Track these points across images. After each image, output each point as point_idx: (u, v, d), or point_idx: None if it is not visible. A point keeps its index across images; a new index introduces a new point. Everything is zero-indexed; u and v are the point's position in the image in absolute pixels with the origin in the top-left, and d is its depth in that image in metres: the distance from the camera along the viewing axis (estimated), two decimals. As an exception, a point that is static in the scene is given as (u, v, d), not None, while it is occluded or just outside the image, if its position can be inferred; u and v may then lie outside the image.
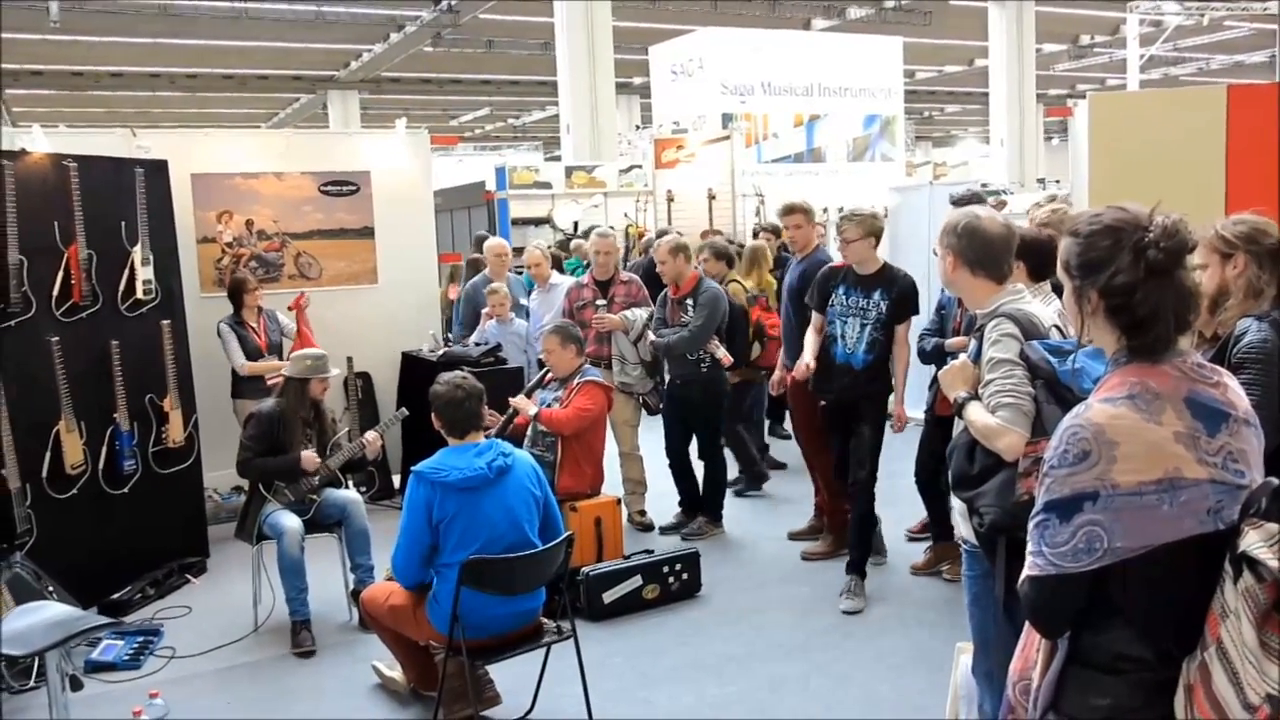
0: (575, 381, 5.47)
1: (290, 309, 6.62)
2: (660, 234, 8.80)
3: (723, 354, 5.94)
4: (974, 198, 5.35)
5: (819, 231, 7.43)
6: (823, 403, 5.31)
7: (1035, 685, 1.85)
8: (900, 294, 5.01)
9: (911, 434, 5.46)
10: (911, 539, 5.83)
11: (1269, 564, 1.53)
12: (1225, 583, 1.61)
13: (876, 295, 5.00)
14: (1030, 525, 1.78)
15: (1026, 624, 1.93)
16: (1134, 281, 1.73)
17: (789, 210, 5.92)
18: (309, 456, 4.89)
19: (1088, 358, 2.25)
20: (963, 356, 2.90)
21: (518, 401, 5.49)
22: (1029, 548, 1.77)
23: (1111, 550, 1.66)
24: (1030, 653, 1.90)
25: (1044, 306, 2.98)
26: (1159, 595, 1.70)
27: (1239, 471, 1.71)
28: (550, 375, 5.64)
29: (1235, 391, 1.79)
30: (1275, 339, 2.77)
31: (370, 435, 5.06)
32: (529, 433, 5.48)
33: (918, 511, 5.77)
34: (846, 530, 5.75)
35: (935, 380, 5.00)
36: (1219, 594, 1.63)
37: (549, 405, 5.46)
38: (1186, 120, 6.17)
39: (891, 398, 5.17)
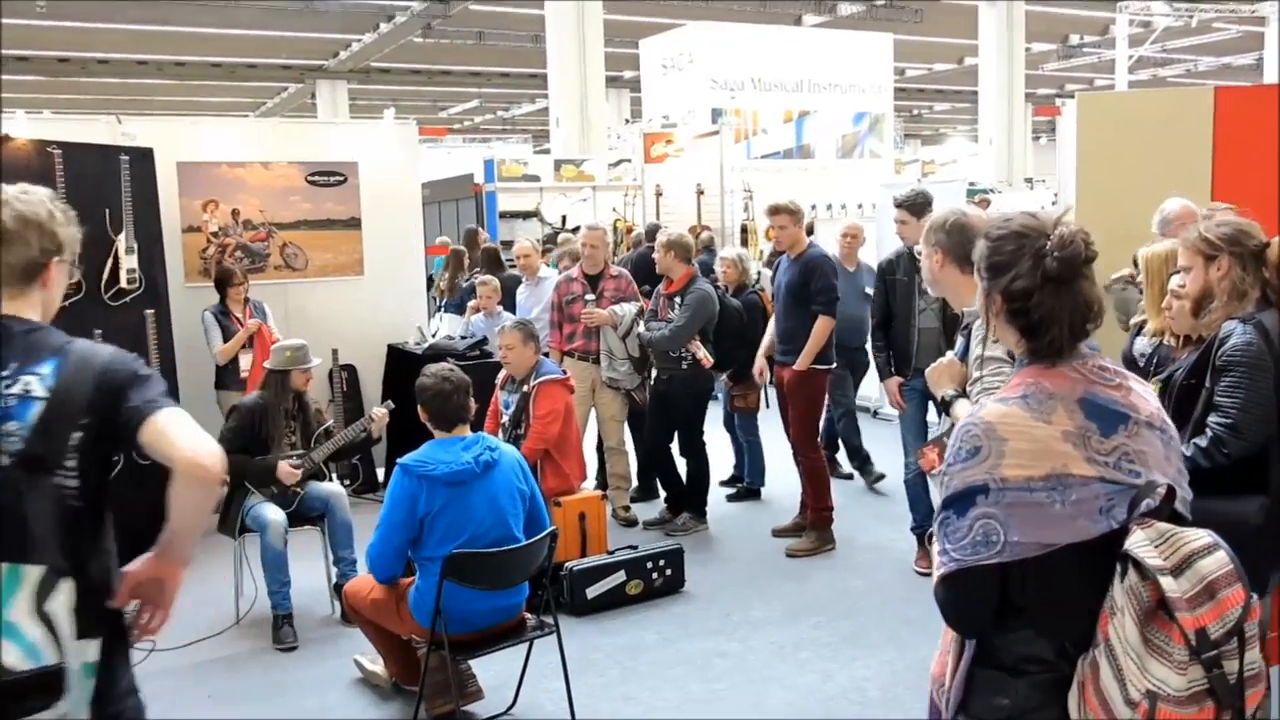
0: (532, 382, 5.34)
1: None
2: (653, 229, 8.77)
3: (703, 355, 5.91)
4: (920, 196, 5.29)
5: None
6: None
7: (947, 687, 1.89)
8: None
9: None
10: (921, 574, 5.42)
11: (1149, 563, 1.60)
12: (1115, 581, 1.67)
13: None
14: (935, 527, 1.83)
15: (943, 628, 1.95)
16: (1031, 287, 1.79)
17: (774, 210, 5.78)
18: (287, 470, 4.83)
19: None
20: (950, 354, 2.90)
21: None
22: (935, 549, 1.81)
23: (1009, 545, 1.70)
24: (945, 655, 1.94)
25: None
26: (1056, 594, 1.74)
27: (1134, 471, 1.74)
28: (505, 374, 5.55)
29: (1139, 395, 1.84)
30: (1260, 342, 2.77)
31: (378, 410, 5.02)
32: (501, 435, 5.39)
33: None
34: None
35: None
36: (1110, 592, 1.67)
37: (510, 408, 5.42)
38: (1174, 121, 6.18)
39: None
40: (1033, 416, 1.75)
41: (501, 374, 5.62)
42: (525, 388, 5.35)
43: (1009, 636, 1.78)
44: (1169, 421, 1.85)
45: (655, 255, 6.08)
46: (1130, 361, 4.01)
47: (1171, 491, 1.71)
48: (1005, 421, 1.75)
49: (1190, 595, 1.57)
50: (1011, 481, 1.71)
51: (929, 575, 5.34)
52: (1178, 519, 1.71)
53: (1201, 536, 1.64)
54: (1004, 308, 1.85)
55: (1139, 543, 1.63)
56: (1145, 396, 1.85)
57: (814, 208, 12.26)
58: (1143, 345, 3.77)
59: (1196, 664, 1.57)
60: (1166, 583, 1.58)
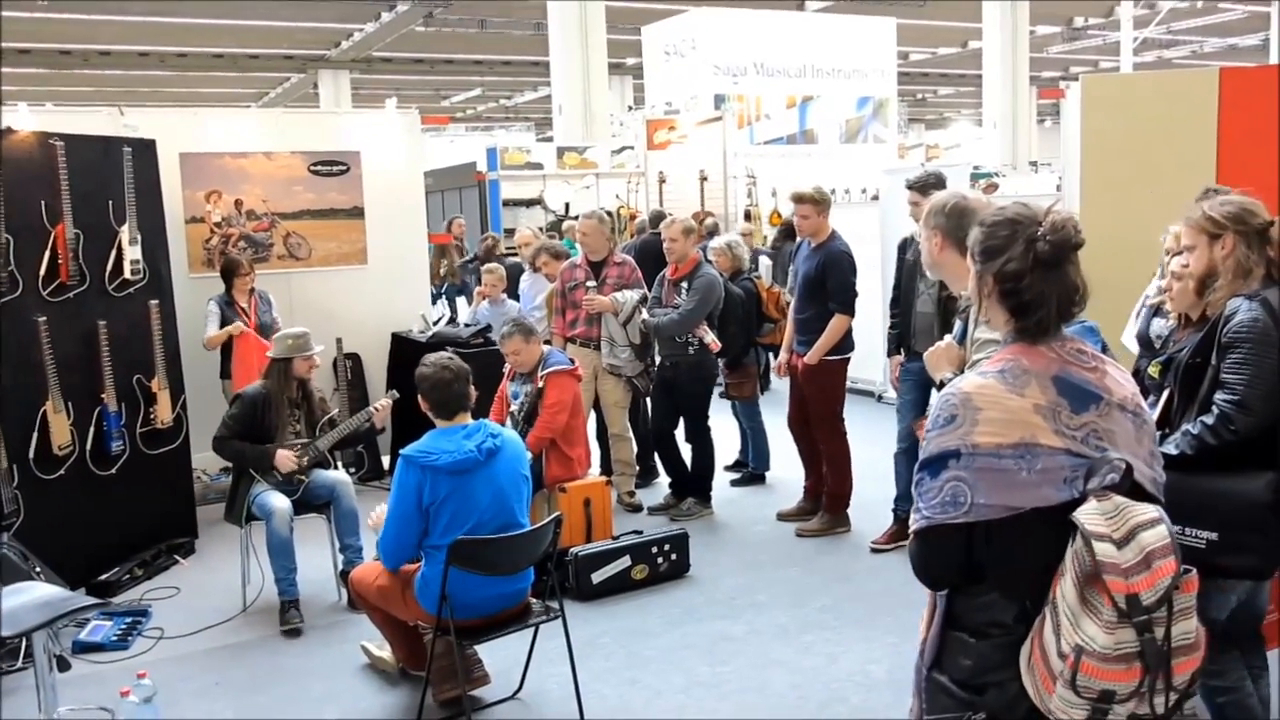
0: (540, 373, 5.35)
1: None
2: (657, 215, 8.75)
3: (711, 339, 5.91)
4: (932, 178, 5.24)
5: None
6: None
7: (923, 644, 2.04)
8: None
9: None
10: (876, 550, 5.51)
11: (1088, 529, 1.73)
12: (1069, 546, 1.79)
13: None
14: (913, 488, 1.95)
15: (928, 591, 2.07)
16: (1023, 269, 1.92)
17: (797, 199, 5.68)
18: (284, 457, 4.84)
19: (1075, 334, 2.26)
20: (948, 338, 2.90)
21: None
22: (913, 508, 1.94)
23: (976, 506, 1.83)
24: (926, 614, 2.08)
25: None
26: (1018, 556, 1.85)
27: (1101, 448, 1.87)
28: (513, 369, 5.55)
29: (1115, 379, 1.96)
30: (1266, 318, 2.75)
31: (383, 401, 5.03)
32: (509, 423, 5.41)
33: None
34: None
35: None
36: (1065, 556, 1.80)
37: (519, 399, 5.43)
38: (1179, 103, 6.15)
39: None
40: (1007, 389, 1.88)
41: (509, 366, 5.63)
42: (535, 380, 5.36)
43: (974, 601, 1.92)
44: (1144, 407, 1.98)
45: (670, 241, 6.04)
46: (1146, 342, 3.99)
47: (1129, 468, 1.82)
48: (981, 392, 1.89)
49: (1130, 564, 1.70)
50: (982, 448, 1.84)
51: (882, 552, 5.41)
52: (1143, 495, 1.83)
53: (1148, 511, 1.76)
54: (995, 289, 1.97)
55: (1088, 511, 1.76)
56: (1121, 381, 1.97)
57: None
58: (1159, 326, 3.75)
59: (1128, 627, 1.69)
60: (1100, 548, 1.71)
